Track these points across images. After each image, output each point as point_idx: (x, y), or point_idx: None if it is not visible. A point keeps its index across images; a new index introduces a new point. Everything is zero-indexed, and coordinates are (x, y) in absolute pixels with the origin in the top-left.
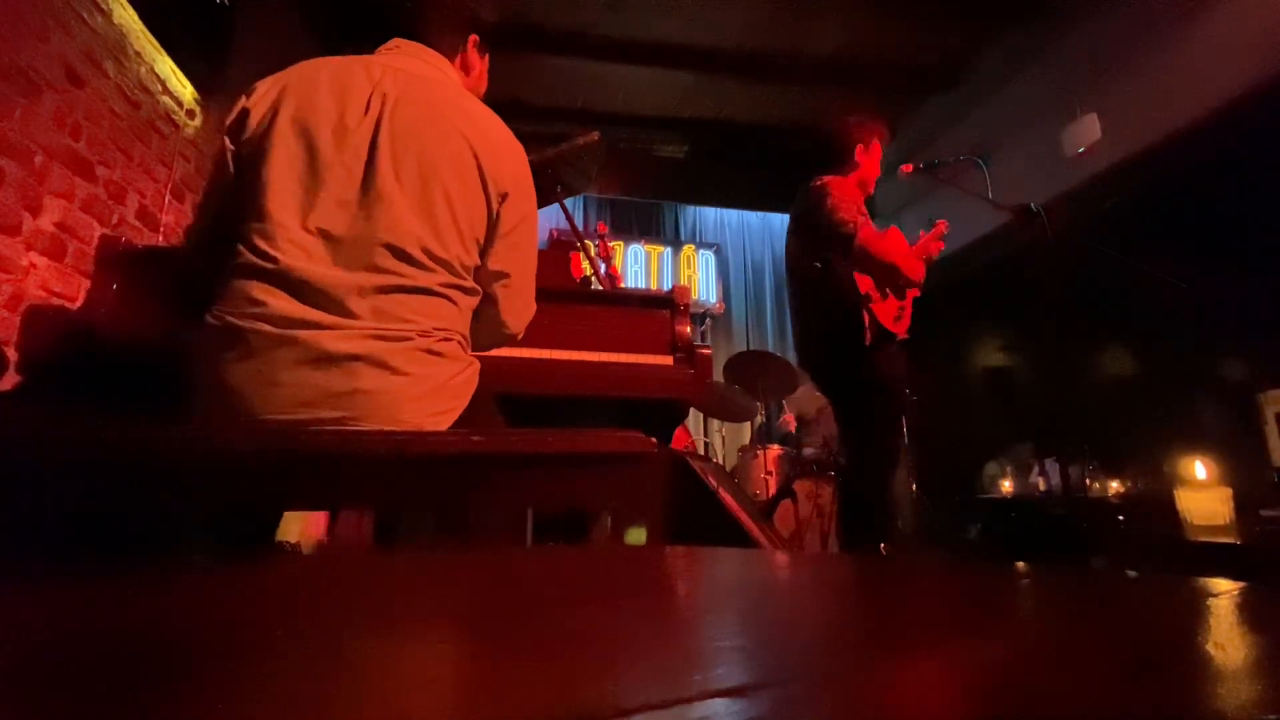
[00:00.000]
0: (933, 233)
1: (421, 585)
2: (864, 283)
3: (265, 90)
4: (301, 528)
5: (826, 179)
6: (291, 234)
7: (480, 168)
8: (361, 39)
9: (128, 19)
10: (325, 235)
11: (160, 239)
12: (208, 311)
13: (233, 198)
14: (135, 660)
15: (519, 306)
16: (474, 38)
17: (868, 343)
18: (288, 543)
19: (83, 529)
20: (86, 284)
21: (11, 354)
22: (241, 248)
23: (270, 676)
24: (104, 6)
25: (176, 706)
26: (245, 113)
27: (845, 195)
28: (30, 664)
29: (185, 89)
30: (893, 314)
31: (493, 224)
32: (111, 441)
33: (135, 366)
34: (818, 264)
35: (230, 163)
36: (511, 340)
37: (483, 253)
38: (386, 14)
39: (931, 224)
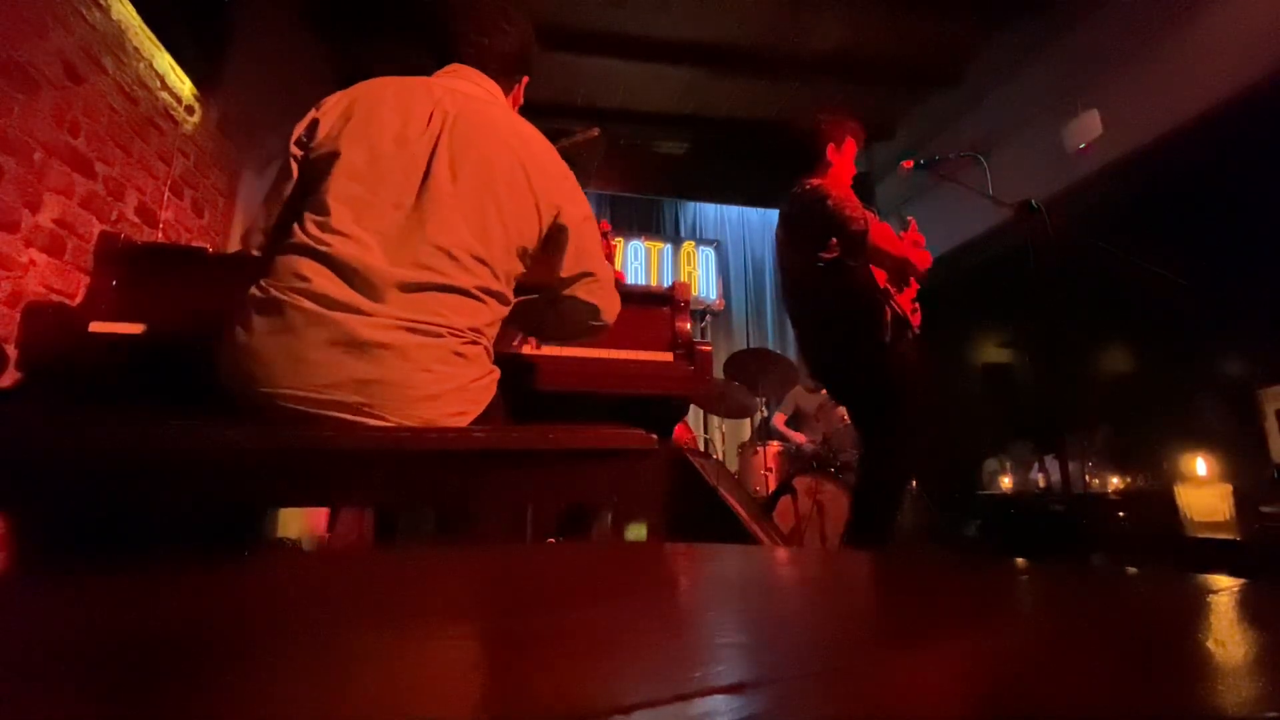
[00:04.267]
0: (909, 234)
1: (422, 582)
2: (880, 276)
3: (335, 103)
4: (302, 525)
5: (816, 181)
6: (346, 228)
7: (530, 183)
8: (361, 38)
9: (126, 15)
10: (378, 233)
11: (160, 235)
12: (253, 284)
13: (294, 200)
14: (144, 657)
15: (608, 299)
16: (526, 79)
17: (887, 336)
18: (289, 540)
19: (85, 526)
20: (86, 280)
21: (11, 351)
22: (297, 228)
23: (272, 673)
24: (102, 2)
25: (185, 703)
26: (315, 123)
27: (845, 193)
28: (40, 660)
29: (184, 85)
30: (909, 304)
31: (550, 237)
32: (108, 440)
33: (134, 363)
34: (820, 264)
35: (295, 169)
36: (602, 330)
37: (558, 265)
38: (452, 47)
39: (905, 225)
